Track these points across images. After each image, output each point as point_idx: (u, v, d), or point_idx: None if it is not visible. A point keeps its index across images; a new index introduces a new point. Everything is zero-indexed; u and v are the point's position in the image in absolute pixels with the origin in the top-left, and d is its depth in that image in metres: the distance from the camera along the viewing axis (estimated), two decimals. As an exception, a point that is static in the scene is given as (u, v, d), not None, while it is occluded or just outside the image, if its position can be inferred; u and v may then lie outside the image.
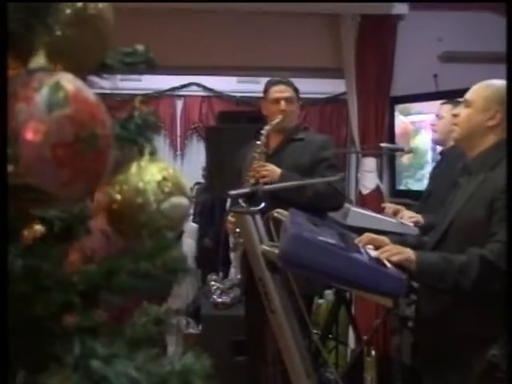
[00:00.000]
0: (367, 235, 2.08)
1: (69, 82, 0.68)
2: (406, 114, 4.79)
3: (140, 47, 0.94)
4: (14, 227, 0.77)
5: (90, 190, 0.70)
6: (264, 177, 2.91)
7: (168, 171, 0.86)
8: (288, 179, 2.83)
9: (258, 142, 3.02)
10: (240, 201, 2.02)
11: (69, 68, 0.74)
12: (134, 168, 0.85)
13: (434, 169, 3.68)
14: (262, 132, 3.04)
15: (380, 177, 4.81)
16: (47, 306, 0.70)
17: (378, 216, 3.20)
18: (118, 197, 0.83)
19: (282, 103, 3.04)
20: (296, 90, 3.13)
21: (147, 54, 0.94)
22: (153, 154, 0.85)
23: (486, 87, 2.10)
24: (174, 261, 0.69)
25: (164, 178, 0.84)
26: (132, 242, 0.83)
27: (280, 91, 3.08)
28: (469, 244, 1.91)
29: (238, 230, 2.85)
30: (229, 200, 2.79)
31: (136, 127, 0.85)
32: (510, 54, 2.05)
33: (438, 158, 3.72)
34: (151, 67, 0.95)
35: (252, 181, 2.92)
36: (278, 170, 2.92)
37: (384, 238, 2.08)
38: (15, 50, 0.72)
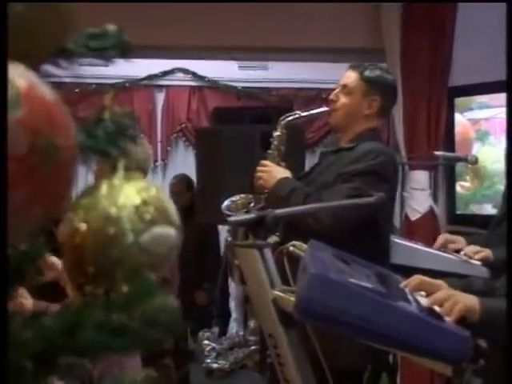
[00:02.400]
0: (417, 277, 2.08)
1: (20, 75, 0.70)
2: (464, 109, 4.67)
3: (111, 27, 0.96)
4: None
5: (48, 217, 0.71)
6: (258, 179, 2.91)
7: (149, 192, 0.87)
8: (284, 191, 2.79)
9: (271, 139, 3.01)
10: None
11: (19, 56, 0.76)
12: (104, 188, 0.86)
13: None
14: (278, 125, 3.03)
15: (434, 197, 4.80)
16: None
17: (432, 251, 3.19)
18: (83, 226, 0.84)
19: (334, 92, 3.01)
20: (368, 81, 2.96)
21: (120, 36, 0.96)
22: (128, 169, 0.87)
23: None
24: (156, 310, 0.71)
25: (144, 202, 0.86)
26: (101, 287, 0.84)
27: (344, 77, 3.02)
28: None
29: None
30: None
31: (106, 134, 0.87)
32: (510, 54, 2.06)
33: None
34: (125, 52, 0.97)
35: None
36: (275, 175, 2.88)
37: (440, 282, 2.08)
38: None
